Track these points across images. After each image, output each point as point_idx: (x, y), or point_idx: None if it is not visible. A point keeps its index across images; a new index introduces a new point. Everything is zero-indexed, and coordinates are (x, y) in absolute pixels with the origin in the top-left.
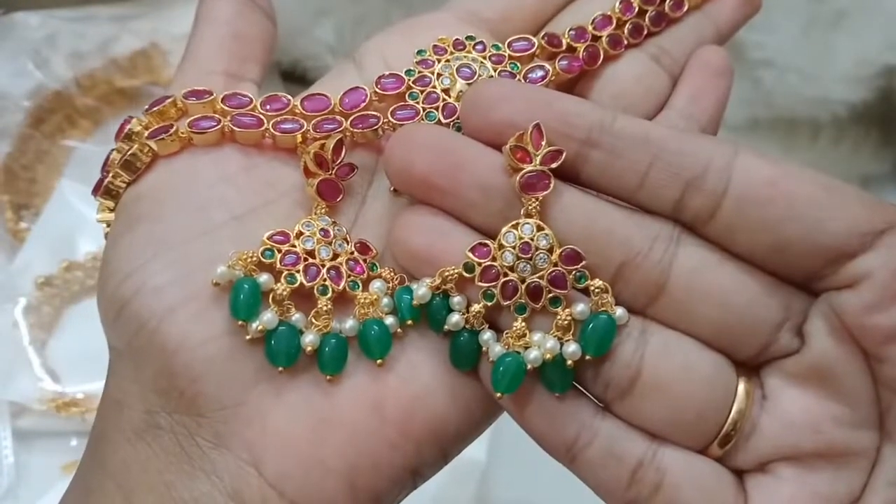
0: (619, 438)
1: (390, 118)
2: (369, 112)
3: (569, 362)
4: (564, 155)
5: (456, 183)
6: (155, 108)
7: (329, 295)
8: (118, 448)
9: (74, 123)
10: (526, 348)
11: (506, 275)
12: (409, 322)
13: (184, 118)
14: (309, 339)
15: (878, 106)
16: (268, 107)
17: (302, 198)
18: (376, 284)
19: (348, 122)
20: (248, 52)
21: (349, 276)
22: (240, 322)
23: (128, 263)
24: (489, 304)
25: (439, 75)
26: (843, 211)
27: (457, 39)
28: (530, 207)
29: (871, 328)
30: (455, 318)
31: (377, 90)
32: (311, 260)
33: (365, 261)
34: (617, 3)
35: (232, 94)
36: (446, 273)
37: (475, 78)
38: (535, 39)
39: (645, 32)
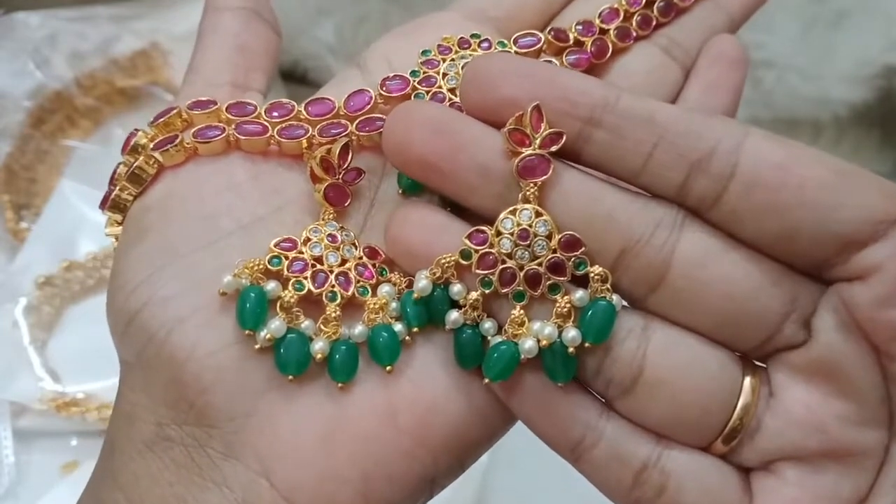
0: (624, 440)
1: None
2: (375, 114)
3: (570, 349)
4: (565, 138)
5: (454, 165)
6: (160, 120)
7: (338, 301)
8: (129, 461)
9: (75, 123)
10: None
11: (504, 262)
12: (416, 329)
13: (189, 129)
14: (318, 347)
15: (878, 106)
16: (273, 114)
17: (310, 204)
18: (385, 288)
19: (354, 126)
20: (253, 63)
21: (358, 281)
22: (247, 331)
23: (136, 275)
24: (487, 291)
25: (444, 75)
26: (856, 197)
27: (462, 38)
28: (528, 193)
29: (883, 323)
30: (454, 316)
31: (382, 92)
32: (318, 266)
33: (374, 265)
34: None
35: (236, 102)
36: (443, 261)
37: None
38: (541, 35)
39: (654, 23)
